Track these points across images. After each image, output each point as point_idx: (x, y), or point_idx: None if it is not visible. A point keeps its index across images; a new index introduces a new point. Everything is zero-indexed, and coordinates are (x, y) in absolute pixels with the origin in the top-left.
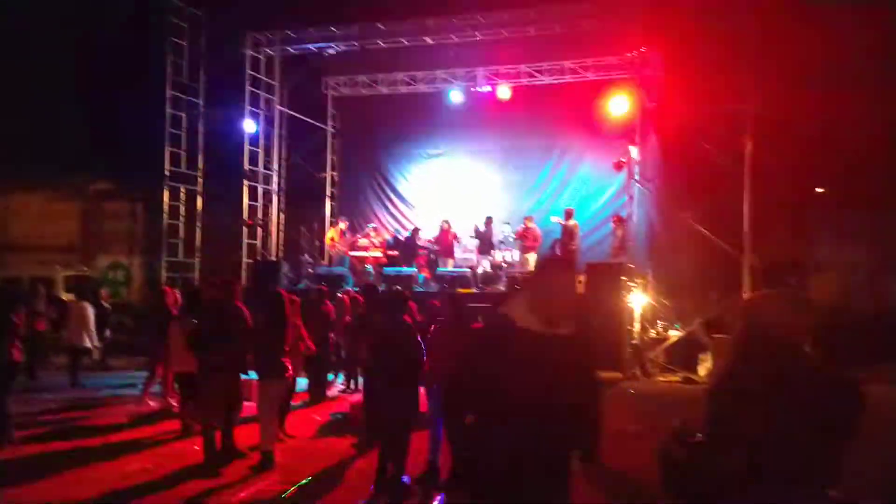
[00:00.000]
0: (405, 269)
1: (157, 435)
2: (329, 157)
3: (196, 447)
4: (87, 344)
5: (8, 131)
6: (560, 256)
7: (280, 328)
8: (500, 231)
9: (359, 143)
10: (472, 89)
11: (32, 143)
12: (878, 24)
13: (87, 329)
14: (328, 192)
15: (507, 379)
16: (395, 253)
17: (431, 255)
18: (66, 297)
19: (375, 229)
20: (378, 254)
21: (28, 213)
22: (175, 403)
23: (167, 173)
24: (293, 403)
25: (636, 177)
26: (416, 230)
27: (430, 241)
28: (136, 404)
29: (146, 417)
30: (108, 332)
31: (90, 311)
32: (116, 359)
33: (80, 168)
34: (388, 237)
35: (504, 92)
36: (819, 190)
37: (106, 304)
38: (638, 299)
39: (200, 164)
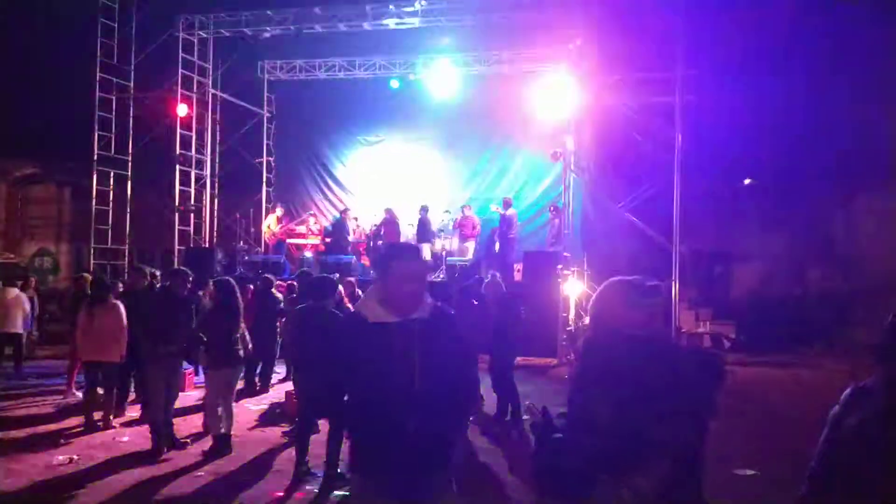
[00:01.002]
0: (344, 257)
1: (84, 425)
2: (265, 142)
3: (124, 438)
4: (15, 331)
5: None
6: (405, 243)
7: (233, 316)
8: (440, 219)
9: (296, 129)
10: (411, 77)
11: None
12: (807, 12)
13: (13, 315)
14: (264, 178)
15: (369, 371)
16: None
17: (370, 243)
18: None
19: (313, 216)
20: (316, 241)
21: None
22: (79, 395)
23: (95, 157)
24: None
25: (572, 167)
26: (344, 211)
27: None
28: (62, 395)
29: (73, 408)
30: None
31: (20, 297)
32: (44, 348)
33: (4, 152)
34: (326, 224)
35: (439, 83)
36: (747, 181)
37: (32, 293)
38: (573, 287)
39: (130, 148)
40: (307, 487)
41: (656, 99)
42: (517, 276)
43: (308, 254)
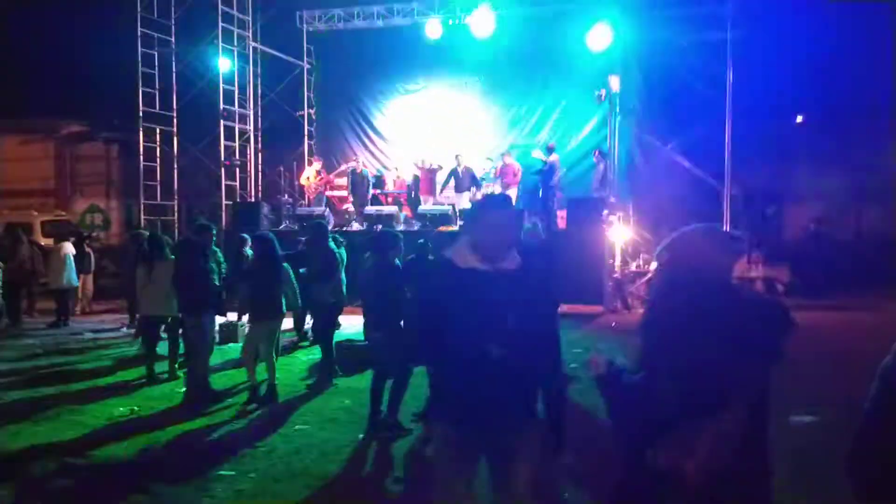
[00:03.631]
0: (386, 209)
1: (142, 378)
2: (306, 94)
3: (182, 389)
4: (70, 284)
5: None
6: (497, 194)
7: (273, 269)
8: (481, 167)
9: (335, 80)
10: (450, 22)
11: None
12: None
13: (68, 270)
14: (306, 131)
15: (457, 315)
16: (376, 191)
17: (411, 193)
18: (44, 241)
19: (354, 166)
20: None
21: (2, 157)
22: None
23: (141, 114)
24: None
25: (617, 109)
26: (354, 161)
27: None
28: (121, 347)
29: (131, 360)
30: (88, 277)
31: (70, 252)
32: (99, 303)
33: (52, 111)
34: (368, 175)
35: (480, 26)
36: (799, 119)
37: (87, 249)
38: (619, 233)
39: (175, 104)
40: (377, 437)
41: (706, 35)
42: (561, 224)
43: (350, 206)
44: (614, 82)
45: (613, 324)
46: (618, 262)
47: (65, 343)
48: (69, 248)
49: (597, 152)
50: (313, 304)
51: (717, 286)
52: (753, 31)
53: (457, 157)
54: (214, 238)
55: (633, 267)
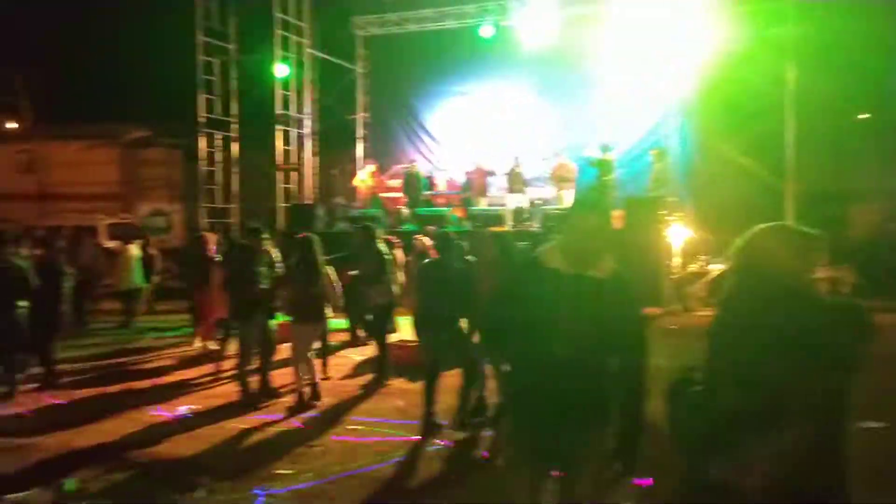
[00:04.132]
0: (437, 210)
1: (204, 377)
2: (360, 97)
3: (239, 388)
4: (131, 287)
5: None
6: (589, 196)
7: (311, 271)
8: (535, 168)
9: (389, 83)
10: (503, 23)
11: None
12: None
13: (133, 272)
14: (360, 134)
15: (540, 318)
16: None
17: (464, 194)
18: (110, 244)
19: (407, 169)
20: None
21: (68, 162)
22: (216, 348)
23: (202, 120)
24: (332, 344)
25: (675, 107)
26: (412, 164)
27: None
28: (182, 347)
29: (192, 360)
30: (154, 279)
31: (136, 255)
32: (162, 303)
33: (116, 117)
34: (422, 176)
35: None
36: (862, 116)
37: (152, 251)
38: (678, 233)
39: (234, 110)
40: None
41: (768, 31)
42: (617, 223)
43: (403, 208)
44: (672, 80)
45: (673, 326)
46: (677, 263)
47: (129, 343)
48: (134, 251)
49: (654, 150)
50: (365, 306)
51: (789, 290)
52: (816, 28)
53: (515, 158)
54: (269, 240)
55: (693, 268)
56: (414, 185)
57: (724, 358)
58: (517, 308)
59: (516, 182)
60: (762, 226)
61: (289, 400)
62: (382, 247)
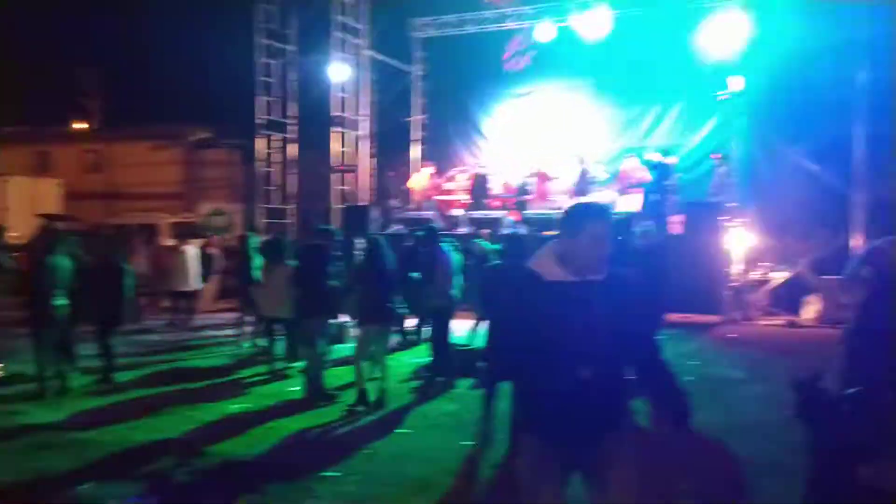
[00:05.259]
0: (493, 213)
1: (257, 376)
2: (418, 100)
3: (293, 388)
4: (189, 287)
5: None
6: (595, 203)
7: (380, 272)
8: (595, 171)
9: (446, 86)
10: (562, 24)
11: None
12: None
13: (188, 272)
14: (418, 136)
15: (545, 332)
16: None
17: (520, 197)
18: (169, 243)
19: (463, 171)
20: (465, 197)
21: (133, 162)
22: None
23: (260, 121)
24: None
25: (739, 111)
26: (482, 167)
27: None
28: (236, 346)
29: (247, 360)
30: (213, 278)
31: (192, 255)
32: (221, 302)
33: (179, 118)
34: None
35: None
36: None
37: (212, 251)
38: (739, 239)
39: (291, 112)
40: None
41: (836, 33)
42: (678, 229)
43: (458, 211)
44: (736, 82)
45: (733, 335)
46: (738, 270)
47: (185, 341)
48: (192, 251)
49: (717, 155)
50: (423, 308)
51: None
52: (886, 29)
53: (581, 159)
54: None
55: (754, 275)
56: (482, 187)
57: (876, 362)
58: (524, 332)
59: (580, 185)
60: (891, 238)
61: (346, 401)
62: (442, 248)
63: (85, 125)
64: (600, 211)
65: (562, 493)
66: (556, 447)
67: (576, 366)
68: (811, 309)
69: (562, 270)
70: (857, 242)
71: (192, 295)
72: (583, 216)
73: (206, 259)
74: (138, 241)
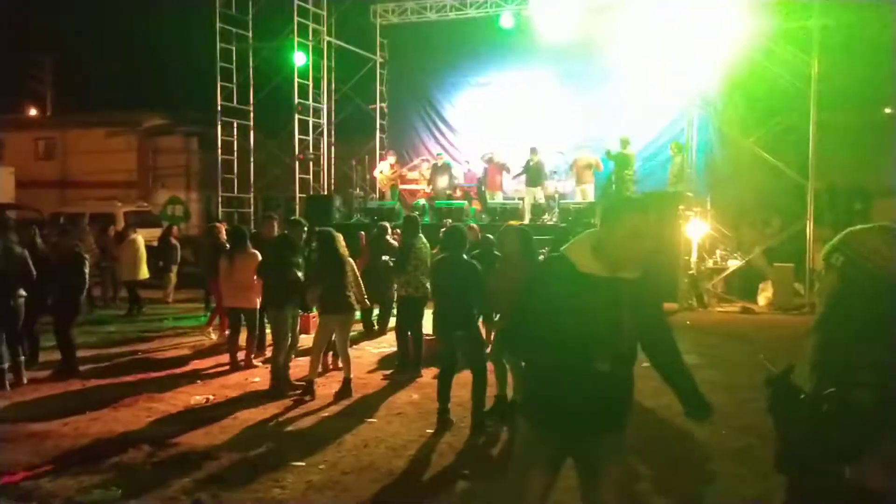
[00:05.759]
0: (456, 203)
1: (219, 367)
2: (378, 88)
3: (255, 379)
4: (139, 276)
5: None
6: (637, 197)
7: (336, 263)
8: (553, 161)
9: (408, 73)
10: (523, 13)
11: (88, 80)
12: None
13: (139, 262)
14: (378, 125)
15: (567, 321)
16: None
17: (481, 187)
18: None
19: (426, 161)
20: (428, 187)
21: (87, 149)
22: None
23: (219, 108)
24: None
25: (696, 101)
26: (438, 157)
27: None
28: (198, 336)
29: (208, 350)
30: (174, 268)
31: (142, 244)
32: (180, 292)
33: (134, 104)
34: (451, 166)
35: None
36: (887, 111)
37: (174, 241)
38: (696, 228)
39: (251, 99)
40: (446, 433)
41: (791, 24)
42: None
43: (421, 200)
44: (693, 74)
45: (688, 322)
46: (694, 259)
47: (144, 332)
48: (141, 240)
49: (673, 145)
50: (395, 298)
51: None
52: (840, 20)
53: (532, 149)
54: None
55: (709, 264)
56: (445, 176)
57: (851, 357)
58: (548, 318)
59: (535, 175)
60: (862, 227)
61: (313, 390)
62: (412, 240)
63: (37, 112)
64: (637, 206)
65: (550, 482)
66: (555, 436)
67: (595, 360)
68: (765, 295)
69: (596, 263)
70: (811, 230)
71: (138, 286)
72: (619, 209)
73: (169, 249)
74: (92, 230)
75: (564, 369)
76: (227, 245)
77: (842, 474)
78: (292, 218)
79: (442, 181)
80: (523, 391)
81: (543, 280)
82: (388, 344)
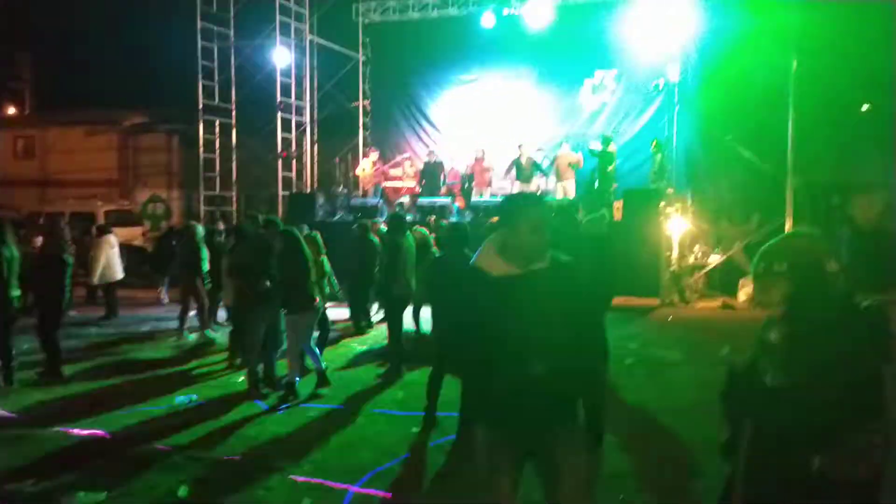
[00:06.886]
0: (440, 199)
1: (202, 367)
2: (361, 86)
3: (240, 380)
4: (112, 278)
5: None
6: (525, 192)
7: (299, 263)
8: (536, 158)
9: (391, 71)
10: (505, 11)
11: (68, 78)
12: None
13: (112, 263)
14: (361, 122)
15: (494, 328)
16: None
17: (465, 185)
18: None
19: (409, 158)
20: (412, 184)
21: (67, 148)
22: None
23: (201, 106)
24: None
25: (676, 99)
26: (431, 153)
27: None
28: (178, 337)
29: (190, 350)
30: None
31: (115, 244)
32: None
33: (115, 102)
34: (420, 166)
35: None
36: (865, 107)
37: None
38: (677, 225)
39: (233, 97)
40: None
41: (771, 21)
42: (617, 215)
43: (405, 197)
44: (672, 71)
45: (670, 318)
46: (675, 255)
47: (125, 333)
48: (114, 241)
49: (654, 141)
50: (382, 297)
51: (844, 293)
52: (819, 17)
53: (519, 146)
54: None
55: (690, 260)
56: (431, 173)
57: (806, 359)
58: (481, 331)
59: (523, 172)
60: (799, 230)
61: (296, 390)
62: (400, 238)
63: (15, 110)
64: (535, 199)
65: (517, 483)
66: (509, 439)
67: (528, 360)
68: (745, 291)
69: (505, 264)
70: (790, 226)
71: (115, 287)
72: (518, 205)
73: (169, 251)
74: (72, 230)
75: (506, 376)
76: (224, 244)
77: (804, 463)
78: (267, 217)
79: (434, 179)
80: (470, 401)
81: (466, 296)
82: (373, 341)
